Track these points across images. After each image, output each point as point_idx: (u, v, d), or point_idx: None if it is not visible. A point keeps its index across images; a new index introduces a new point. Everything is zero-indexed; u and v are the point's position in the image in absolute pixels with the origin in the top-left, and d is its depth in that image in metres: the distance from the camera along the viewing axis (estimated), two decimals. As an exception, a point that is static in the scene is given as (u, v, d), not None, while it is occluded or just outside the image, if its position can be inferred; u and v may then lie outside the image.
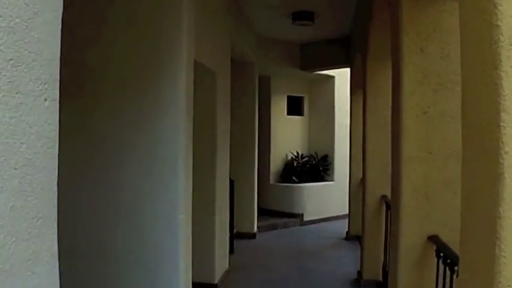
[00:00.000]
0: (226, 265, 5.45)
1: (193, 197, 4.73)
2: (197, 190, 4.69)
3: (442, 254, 2.59)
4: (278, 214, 8.64)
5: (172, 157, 2.88)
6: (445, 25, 2.80)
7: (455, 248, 2.66)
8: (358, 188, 7.18)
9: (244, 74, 7.38)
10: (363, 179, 5.23)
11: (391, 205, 3.35)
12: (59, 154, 1.06)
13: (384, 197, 4.76)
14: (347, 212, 7.72)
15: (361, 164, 5.82)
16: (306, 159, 9.31)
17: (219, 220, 4.90)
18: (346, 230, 7.54)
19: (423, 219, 2.78)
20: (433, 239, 2.74)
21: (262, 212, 8.35)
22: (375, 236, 4.92)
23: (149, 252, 2.97)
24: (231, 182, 6.10)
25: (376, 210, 4.92)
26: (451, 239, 2.71)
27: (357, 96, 7.07)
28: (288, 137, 9.37)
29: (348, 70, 7.74)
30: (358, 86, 6.94)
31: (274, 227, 8.15)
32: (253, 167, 7.47)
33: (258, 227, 7.62)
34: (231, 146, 5.58)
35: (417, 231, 2.79)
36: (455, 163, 2.77)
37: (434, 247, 2.69)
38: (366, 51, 4.88)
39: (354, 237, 7.20)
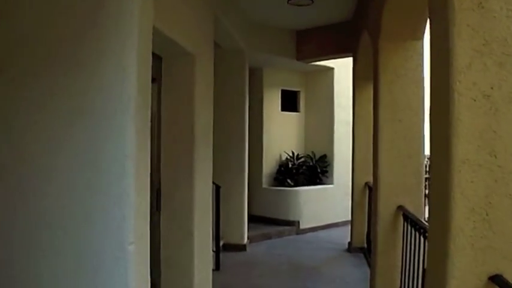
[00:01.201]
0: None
1: (166, 208, 3.89)
2: (170, 199, 3.88)
3: (515, 306, 1.75)
4: (271, 222, 7.94)
5: (118, 164, 1.96)
6: (512, -31, 1.94)
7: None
8: (362, 193, 6.43)
9: (232, 64, 6.63)
10: (374, 185, 4.37)
11: (427, 230, 2.46)
12: None
13: (400, 207, 3.94)
14: (348, 218, 7.03)
15: (367, 165, 5.05)
16: (302, 159, 8.58)
17: (200, 233, 4.07)
18: (348, 240, 6.72)
19: (483, 252, 1.93)
20: (498, 280, 1.90)
21: (254, 220, 7.67)
22: (389, 254, 4.09)
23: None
24: (217, 188, 5.36)
25: (391, 223, 4.06)
26: (523, 281, 1.91)
27: (362, 88, 6.27)
28: (283, 135, 8.62)
29: (349, 60, 6.89)
30: (363, 76, 6.16)
31: (267, 237, 7.38)
32: (243, 169, 6.72)
33: (248, 237, 6.85)
34: (217, 146, 4.81)
35: (474, 268, 1.94)
36: (529, 170, 1.93)
37: (502, 294, 1.84)
38: (378, 30, 4.01)
39: (357, 249, 6.46)
